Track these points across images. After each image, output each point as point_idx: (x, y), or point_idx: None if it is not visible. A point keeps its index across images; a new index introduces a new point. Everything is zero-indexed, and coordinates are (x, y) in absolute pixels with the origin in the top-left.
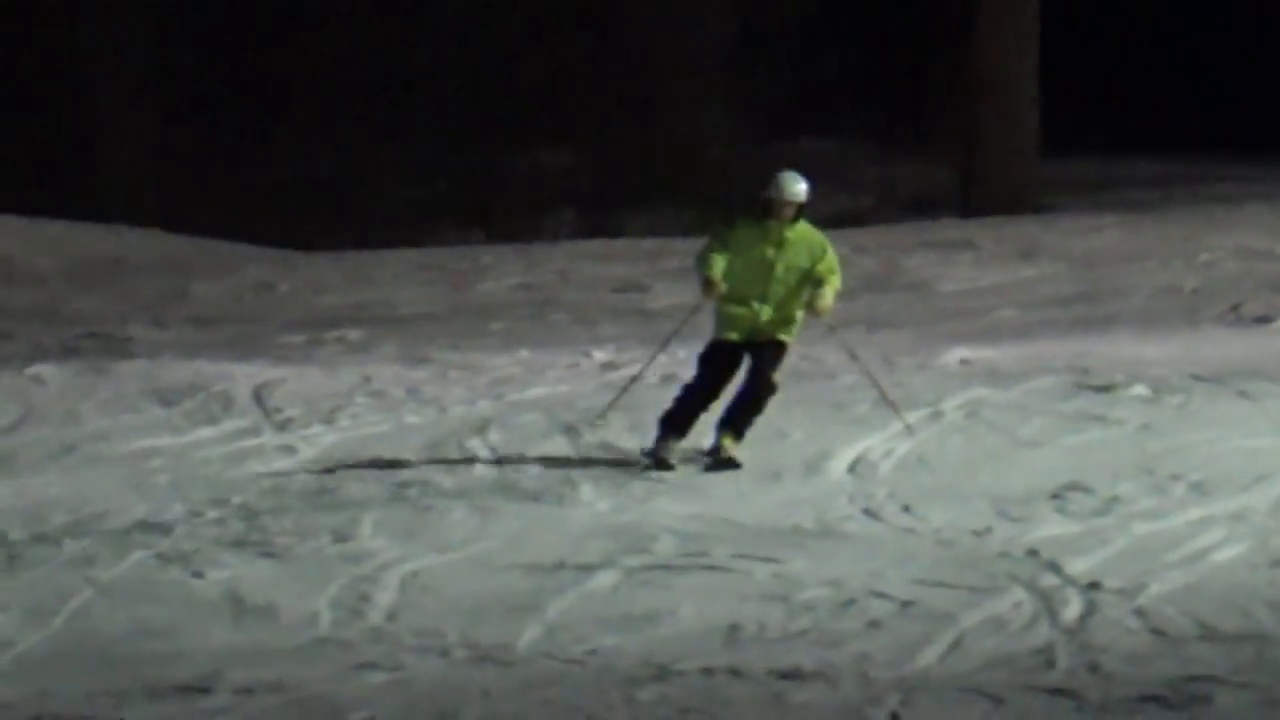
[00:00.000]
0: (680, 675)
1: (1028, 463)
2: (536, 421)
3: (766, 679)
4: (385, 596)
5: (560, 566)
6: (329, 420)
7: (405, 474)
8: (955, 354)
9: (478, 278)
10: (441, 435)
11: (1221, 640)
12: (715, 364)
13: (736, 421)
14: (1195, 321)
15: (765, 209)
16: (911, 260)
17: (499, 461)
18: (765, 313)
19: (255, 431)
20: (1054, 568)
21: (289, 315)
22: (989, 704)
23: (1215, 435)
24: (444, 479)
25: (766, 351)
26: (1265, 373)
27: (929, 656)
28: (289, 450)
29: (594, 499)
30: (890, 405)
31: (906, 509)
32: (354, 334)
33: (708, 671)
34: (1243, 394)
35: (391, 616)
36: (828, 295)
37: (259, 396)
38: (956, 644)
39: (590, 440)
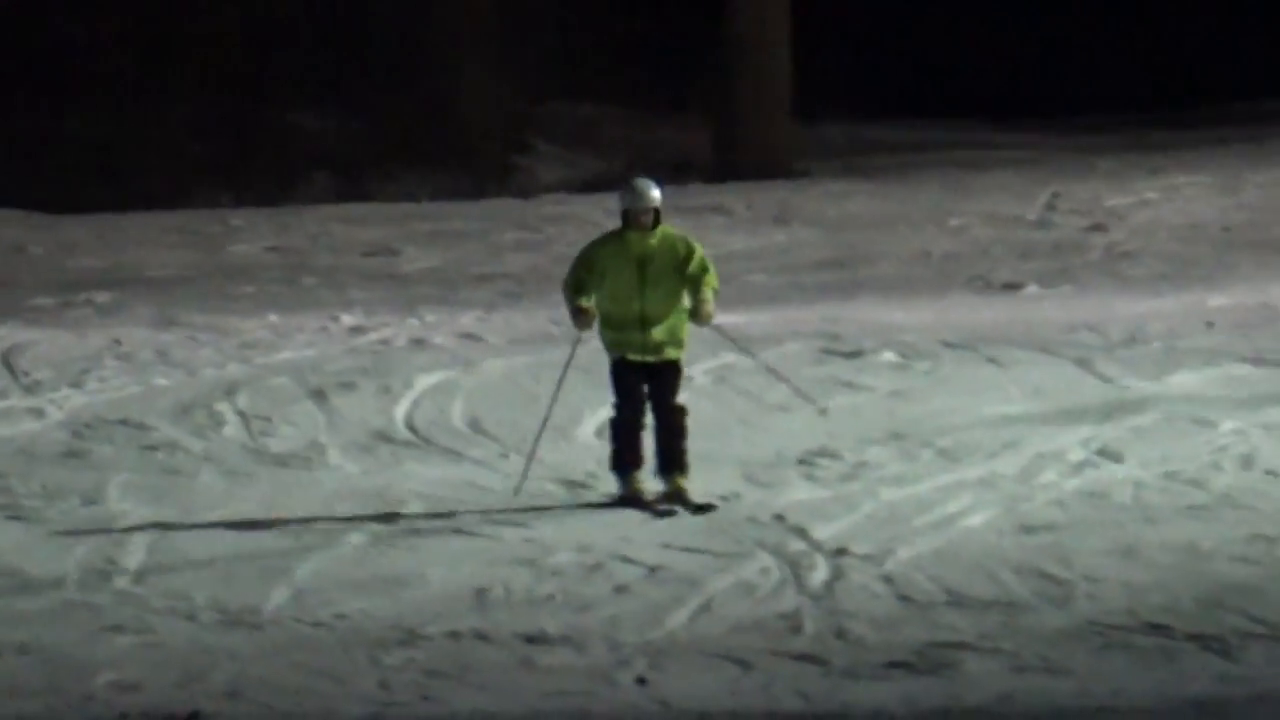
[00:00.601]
0: (428, 639)
1: (776, 428)
2: (286, 385)
3: (514, 643)
4: (133, 559)
5: (308, 530)
6: (78, 383)
7: (154, 436)
8: None
9: (228, 240)
10: (190, 398)
11: (969, 606)
12: (627, 384)
13: (674, 461)
14: (945, 287)
15: (623, 221)
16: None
17: (248, 425)
18: (648, 335)
19: (4, 394)
20: (801, 533)
21: (39, 278)
22: (736, 669)
23: (964, 402)
24: (193, 442)
25: (664, 380)
26: (1014, 339)
27: (676, 621)
28: (38, 413)
29: (342, 462)
30: (800, 394)
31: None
32: (104, 297)
33: (455, 635)
34: (992, 360)
35: (139, 579)
36: (709, 300)
37: (8, 359)
38: (704, 609)
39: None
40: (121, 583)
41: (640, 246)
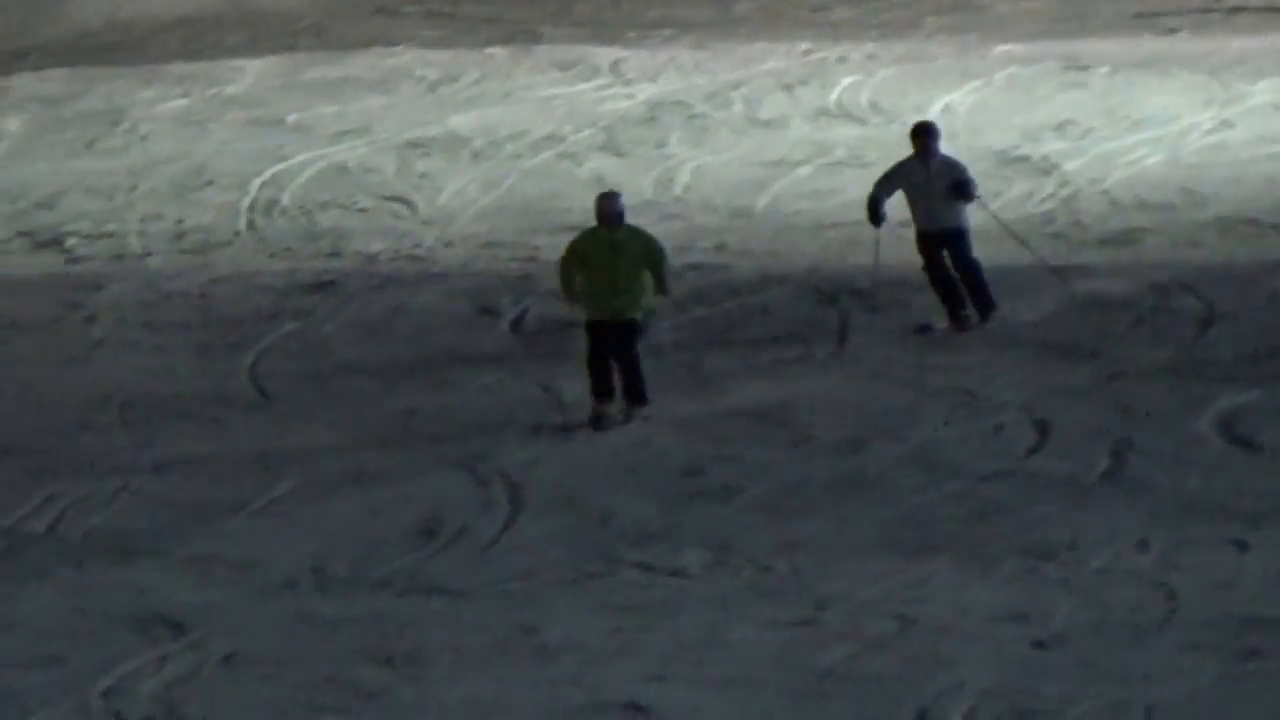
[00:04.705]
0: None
1: (1042, 110)
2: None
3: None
4: (681, 178)
5: None
6: (654, 78)
7: (698, 111)
8: None
9: None
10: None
11: (1147, 208)
12: (594, 336)
13: (631, 393)
14: None
15: (599, 220)
16: None
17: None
18: (616, 301)
19: (609, 86)
20: (1056, 167)
21: (627, 21)
22: (1018, 245)
23: None
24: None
25: (623, 333)
26: None
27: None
28: (630, 96)
29: None
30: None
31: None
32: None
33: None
34: None
35: (687, 190)
36: (664, 278)
37: (615, 67)
38: (1001, 208)
39: None
40: (677, 191)
41: (612, 238)
